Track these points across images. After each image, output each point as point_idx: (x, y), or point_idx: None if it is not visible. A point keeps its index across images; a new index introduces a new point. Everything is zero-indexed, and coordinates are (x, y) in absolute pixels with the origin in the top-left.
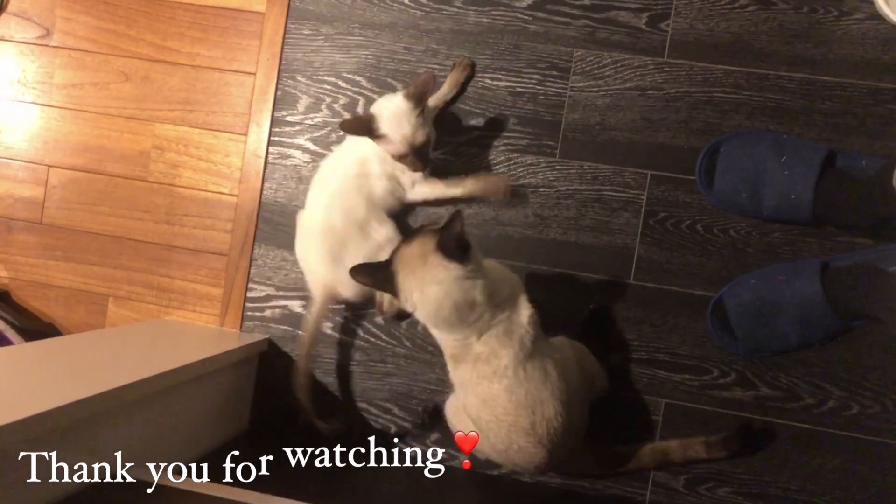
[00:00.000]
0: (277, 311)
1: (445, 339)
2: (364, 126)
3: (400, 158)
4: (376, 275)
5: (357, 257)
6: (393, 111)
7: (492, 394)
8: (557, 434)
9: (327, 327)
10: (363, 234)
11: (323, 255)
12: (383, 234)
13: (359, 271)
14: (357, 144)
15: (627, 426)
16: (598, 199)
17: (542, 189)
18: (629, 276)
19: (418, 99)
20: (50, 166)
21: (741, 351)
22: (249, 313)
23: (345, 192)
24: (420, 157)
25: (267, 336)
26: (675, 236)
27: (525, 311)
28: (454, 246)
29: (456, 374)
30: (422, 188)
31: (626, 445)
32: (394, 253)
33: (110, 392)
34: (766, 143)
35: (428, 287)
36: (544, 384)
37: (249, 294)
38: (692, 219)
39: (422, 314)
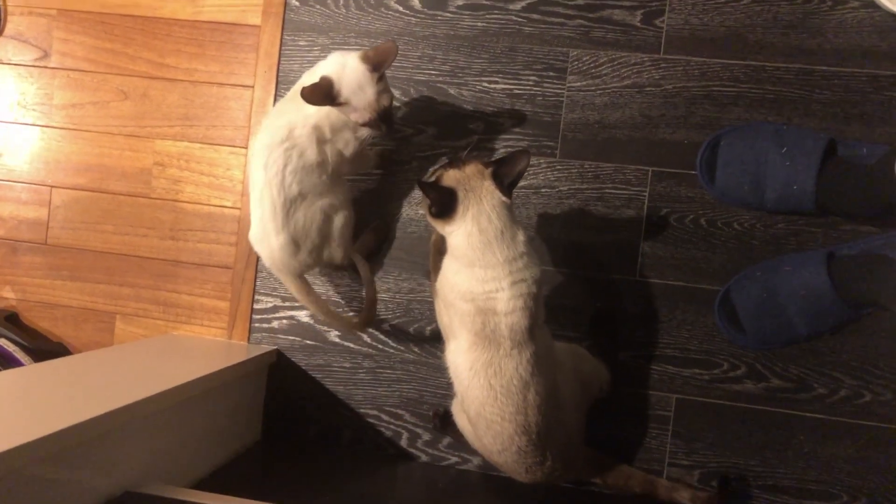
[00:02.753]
0: (285, 321)
1: (471, 293)
2: (324, 93)
3: (365, 124)
4: (439, 189)
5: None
6: (353, 77)
7: (506, 375)
8: (551, 431)
9: (335, 336)
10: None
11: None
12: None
13: (425, 185)
14: (281, 117)
15: (639, 423)
16: (600, 198)
17: (543, 190)
18: (634, 273)
19: (376, 65)
20: (53, 187)
21: (750, 344)
22: (257, 325)
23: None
24: (385, 120)
25: (275, 347)
26: (679, 231)
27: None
28: (508, 181)
29: (468, 356)
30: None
31: (624, 463)
32: (441, 176)
33: (121, 409)
34: (766, 135)
35: (483, 205)
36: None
37: (256, 306)
38: (695, 213)
39: (464, 236)
